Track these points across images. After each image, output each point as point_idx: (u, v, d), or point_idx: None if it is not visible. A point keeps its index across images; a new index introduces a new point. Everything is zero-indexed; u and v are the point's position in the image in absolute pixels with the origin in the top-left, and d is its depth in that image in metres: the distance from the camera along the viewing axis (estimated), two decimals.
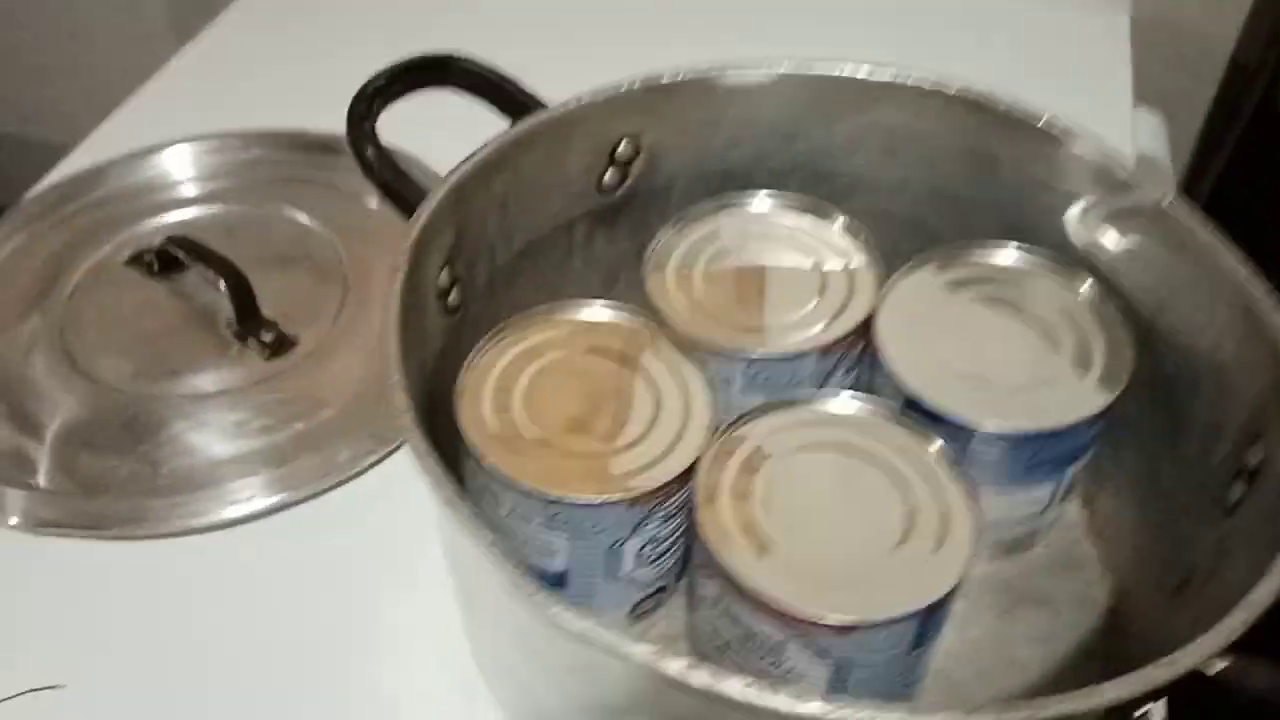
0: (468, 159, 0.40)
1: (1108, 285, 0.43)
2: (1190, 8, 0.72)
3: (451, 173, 0.39)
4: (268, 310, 0.53)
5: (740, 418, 0.39)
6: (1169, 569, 0.40)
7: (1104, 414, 0.40)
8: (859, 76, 0.45)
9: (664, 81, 0.44)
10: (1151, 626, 0.40)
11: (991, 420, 0.39)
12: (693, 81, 0.45)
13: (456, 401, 0.39)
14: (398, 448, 0.49)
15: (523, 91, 0.44)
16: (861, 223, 0.46)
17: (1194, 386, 0.39)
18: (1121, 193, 0.42)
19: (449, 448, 0.36)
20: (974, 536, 0.36)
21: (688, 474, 0.38)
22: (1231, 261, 0.38)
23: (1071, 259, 0.44)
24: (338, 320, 0.54)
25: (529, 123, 0.42)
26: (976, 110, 0.44)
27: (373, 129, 0.42)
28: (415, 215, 0.38)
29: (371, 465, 0.49)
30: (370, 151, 0.42)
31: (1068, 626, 0.43)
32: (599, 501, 0.37)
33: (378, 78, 0.42)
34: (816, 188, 0.48)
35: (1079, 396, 0.40)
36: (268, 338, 0.52)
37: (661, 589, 0.42)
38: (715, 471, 0.38)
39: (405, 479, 0.43)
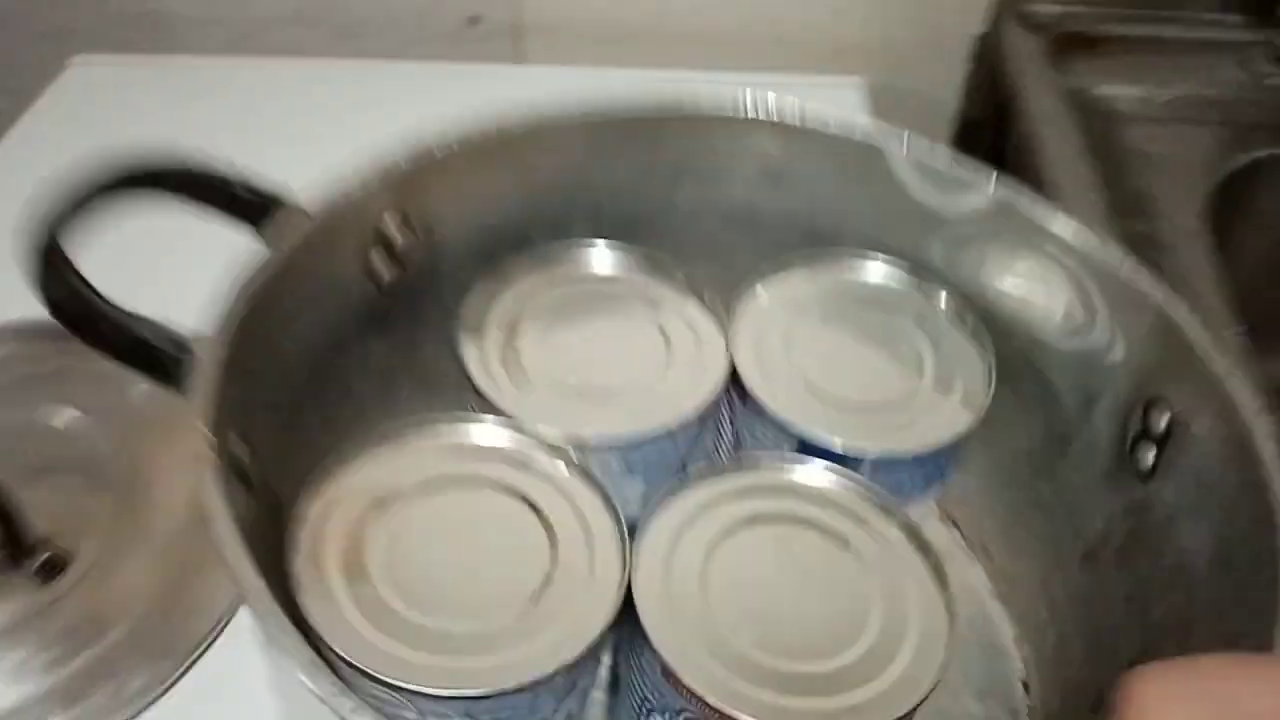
0: (233, 295, 0.30)
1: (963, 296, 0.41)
2: (916, 72, 0.78)
3: (220, 319, 0.29)
4: (37, 528, 0.45)
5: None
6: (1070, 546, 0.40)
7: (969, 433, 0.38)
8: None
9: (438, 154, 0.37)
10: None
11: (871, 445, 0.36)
12: (470, 144, 0.38)
13: (300, 589, 0.29)
14: (194, 663, 0.41)
15: (260, 190, 0.34)
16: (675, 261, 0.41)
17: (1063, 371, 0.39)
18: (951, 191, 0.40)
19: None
20: None
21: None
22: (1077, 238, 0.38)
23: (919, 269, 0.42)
24: (114, 526, 0.46)
25: (293, 229, 0.33)
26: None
27: (71, 269, 0.30)
28: (191, 386, 0.28)
29: (168, 688, 0.41)
30: (77, 300, 0.30)
31: None
32: (529, 682, 0.29)
33: (61, 201, 0.31)
34: (608, 231, 0.43)
35: (946, 417, 0.38)
36: (40, 560, 0.44)
37: None
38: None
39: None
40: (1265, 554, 0.29)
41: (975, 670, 0.42)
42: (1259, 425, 0.31)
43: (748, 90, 0.41)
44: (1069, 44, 0.70)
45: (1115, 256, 0.36)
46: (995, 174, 0.38)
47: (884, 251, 0.41)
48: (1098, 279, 0.37)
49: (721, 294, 0.40)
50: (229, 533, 0.25)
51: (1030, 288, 0.39)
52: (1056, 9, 0.72)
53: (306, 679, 0.23)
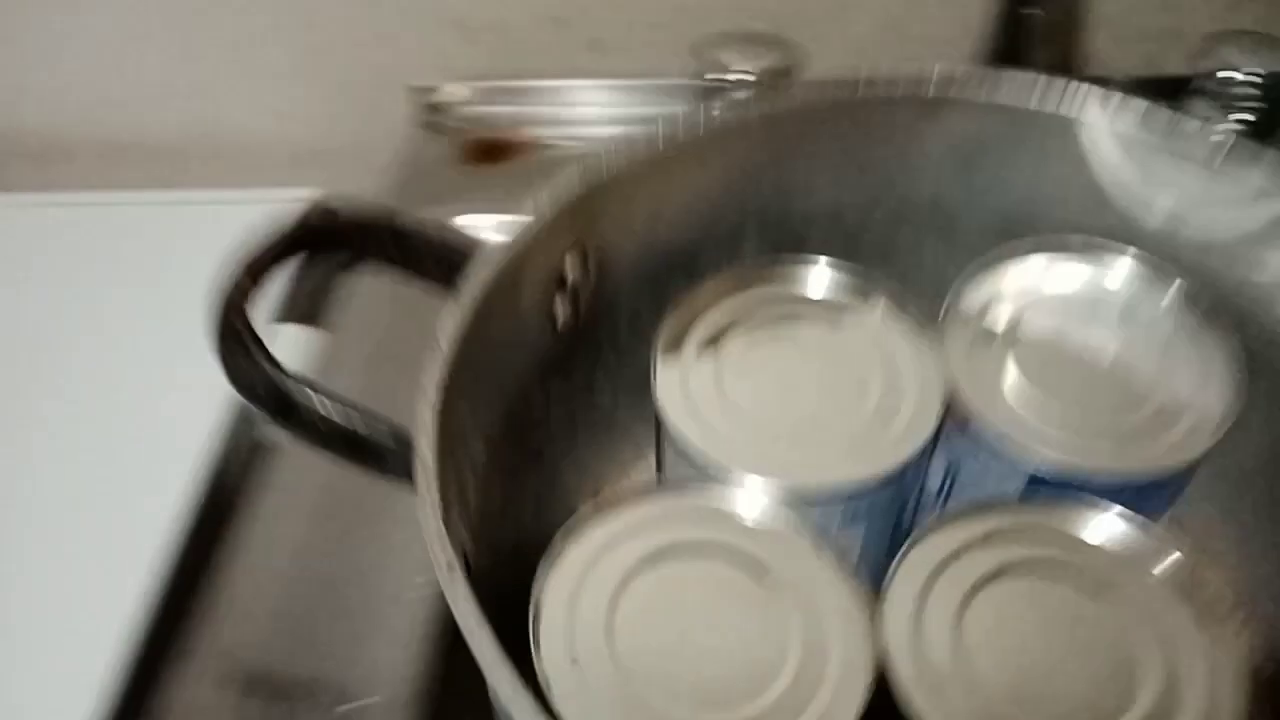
0: (435, 360, 0.27)
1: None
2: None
3: (428, 396, 0.27)
4: None
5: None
6: None
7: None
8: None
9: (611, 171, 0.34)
10: None
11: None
12: (639, 157, 0.34)
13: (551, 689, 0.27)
14: None
15: (457, 243, 0.31)
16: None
17: None
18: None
19: None
20: None
21: None
22: None
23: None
24: None
25: (480, 281, 0.30)
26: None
27: (264, 351, 0.28)
28: (420, 477, 0.25)
29: None
30: (273, 386, 0.28)
31: None
32: None
33: (254, 254, 0.28)
34: (772, 237, 0.39)
35: (1194, 424, 0.34)
36: None
37: None
38: None
39: None
40: None
41: None
42: None
43: (935, 67, 0.37)
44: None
45: None
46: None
47: (1093, 232, 0.37)
48: None
49: (927, 303, 0.37)
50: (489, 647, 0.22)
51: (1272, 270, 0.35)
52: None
53: None
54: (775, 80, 0.45)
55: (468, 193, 0.59)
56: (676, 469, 0.34)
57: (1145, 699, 0.28)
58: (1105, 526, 0.31)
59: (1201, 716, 0.27)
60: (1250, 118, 0.48)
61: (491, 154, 0.63)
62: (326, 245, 0.30)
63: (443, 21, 0.63)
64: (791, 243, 0.40)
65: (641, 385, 0.34)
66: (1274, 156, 0.33)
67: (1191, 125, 0.34)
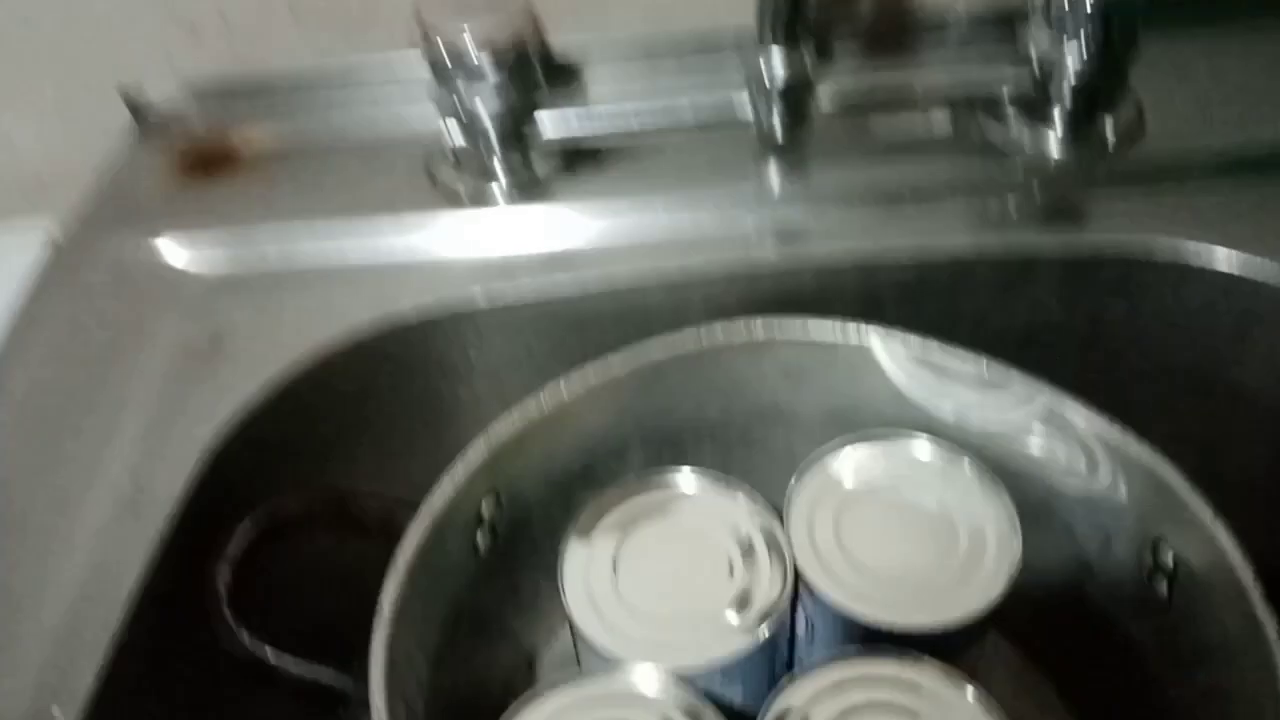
0: (381, 623, 0.36)
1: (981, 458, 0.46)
2: None
3: (379, 649, 0.36)
4: None
5: None
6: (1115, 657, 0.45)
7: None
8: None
9: (504, 434, 0.43)
10: None
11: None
12: (529, 421, 0.44)
13: None
14: None
15: (380, 505, 0.41)
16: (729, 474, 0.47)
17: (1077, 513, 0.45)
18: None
19: None
20: None
21: None
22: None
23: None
24: None
25: (414, 544, 0.39)
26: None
27: (246, 629, 0.37)
28: (375, 713, 0.34)
29: None
30: (249, 653, 0.37)
31: None
32: None
33: (221, 551, 0.37)
34: (655, 449, 0.49)
35: (988, 575, 0.43)
36: None
37: None
38: None
39: None
40: (1269, 687, 0.34)
41: None
42: (1245, 574, 0.36)
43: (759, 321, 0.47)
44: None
45: (1103, 420, 0.42)
46: (984, 358, 0.44)
47: (905, 426, 0.47)
48: (1093, 434, 0.43)
49: (770, 489, 0.46)
50: None
51: (1035, 444, 0.45)
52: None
53: None
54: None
55: (182, 210, 0.55)
56: (586, 656, 0.43)
57: None
58: (924, 669, 0.40)
59: None
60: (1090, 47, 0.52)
61: (212, 164, 0.58)
62: (284, 531, 0.39)
63: (166, 20, 0.58)
64: (670, 449, 0.50)
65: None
66: (1019, 376, 0.43)
67: (956, 353, 0.45)
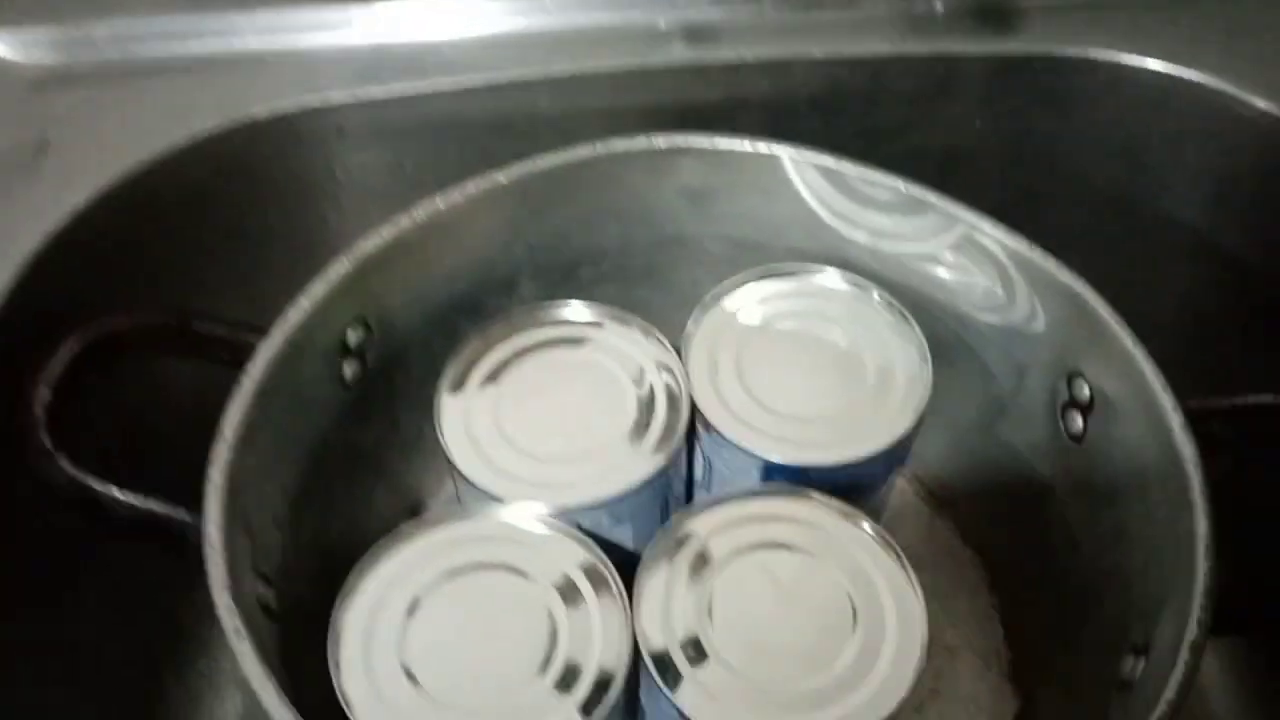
0: (221, 447, 0.32)
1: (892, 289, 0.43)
2: None
3: (218, 477, 0.32)
4: None
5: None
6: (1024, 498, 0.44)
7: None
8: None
9: (371, 250, 0.39)
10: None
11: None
12: (401, 237, 0.39)
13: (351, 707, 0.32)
14: None
15: (227, 328, 0.36)
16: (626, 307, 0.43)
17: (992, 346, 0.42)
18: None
19: None
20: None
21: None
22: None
23: None
24: None
25: (262, 366, 0.35)
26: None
27: (66, 455, 0.32)
28: (208, 542, 0.30)
29: None
30: (78, 488, 0.32)
31: None
32: None
33: (52, 370, 0.32)
34: (546, 279, 0.45)
35: (894, 411, 0.40)
36: None
37: None
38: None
39: None
40: (1184, 521, 0.32)
41: (960, 609, 0.47)
42: (1165, 398, 0.34)
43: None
44: None
45: (1024, 243, 0.39)
46: (902, 180, 0.41)
47: (814, 260, 0.44)
48: (1012, 259, 0.40)
49: (672, 326, 0.43)
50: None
51: (951, 274, 0.42)
52: None
53: None
54: None
55: None
56: (465, 494, 0.40)
57: (858, 630, 0.35)
58: (824, 509, 0.38)
59: (896, 631, 0.35)
60: None
61: None
62: (117, 354, 0.34)
63: None
64: (565, 283, 0.46)
65: None
66: (938, 199, 0.40)
67: (873, 173, 0.41)
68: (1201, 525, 0.32)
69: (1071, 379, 0.39)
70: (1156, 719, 0.28)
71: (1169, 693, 0.28)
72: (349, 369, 0.40)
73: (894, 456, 0.42)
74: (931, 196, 0.40)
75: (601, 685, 0.33)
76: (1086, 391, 0.38)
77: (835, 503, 0.38)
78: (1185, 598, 0.30)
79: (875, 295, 0.43)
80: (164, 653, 0.44)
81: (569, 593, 0.36)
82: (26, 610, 0.38)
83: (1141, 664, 0.32)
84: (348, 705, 0.32)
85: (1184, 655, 0.29)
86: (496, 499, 0.38)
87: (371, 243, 0.38)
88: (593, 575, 0.36)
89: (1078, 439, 0.39)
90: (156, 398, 0.42)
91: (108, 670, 0.42)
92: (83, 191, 0.39)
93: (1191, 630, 0.29)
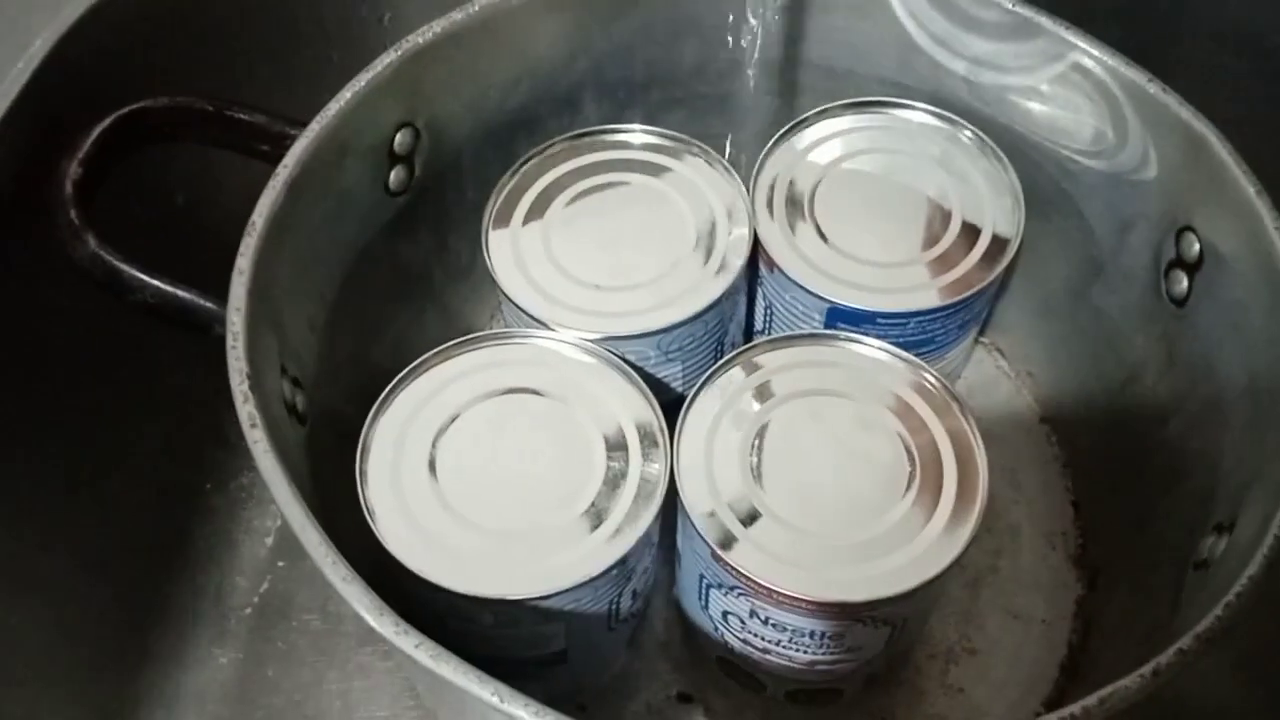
0: (251, 237, 0.31)
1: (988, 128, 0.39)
2: None
3: (245, 265, 0.30)
4: None
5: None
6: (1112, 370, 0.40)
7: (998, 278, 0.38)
8: None
9: (422, 42, 0.36)
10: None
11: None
12: (455, 31, 0.36)
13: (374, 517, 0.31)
14: None
15: (267, 118, 0.34)
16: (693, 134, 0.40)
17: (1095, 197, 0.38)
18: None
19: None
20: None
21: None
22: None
23: None
24: None
25: (299, 158, 0.33)
26: None
27: (95, 233, 0.31)
28: (230, 329, 0.29)
29: None
30: (102, 265, 0.31)
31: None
32: (598, 574, 0.31)
33: (82, 147, 0.31)
34: (612, 100, 0.42)
35: (976, 261, 0.37)
36: None
37: (644, 605, 0.38)
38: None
39: None
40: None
41: (1028, 485, 0.44)
42: None
43: None
44: None
45: (1143, 75, 0.35)
46: None
47: (904, 93, 0.40)
48: (1127, 94, 0.35)
49: (743, 157, 0.40)
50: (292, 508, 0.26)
51: (1057, 111, 0.38)
52: None
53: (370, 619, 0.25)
54: None
55: None
56: (511, 319, 0.38)
57: (914, 485, 0.32)
58: (885, 355, 0.35)
59: (954, 493, 0.32)
60: None
61: None
62: (151, 136, 0.33)
63: None
64: (632, 103, 0.43)
65: None
66: (1050, 23, 0.35)
67: None
68: None
69: (1180, 235, 0.35)
70: (1234, 596, 0.25)
71: (1252, 568, 0.25)
72: (395, 175, 0.37)
73: (971, 312, 0.39)
74: (1042, 18, 0.36)
75: (630, 524, 0.32)
76: (1196, 248, 0.34)
77: (901, 353, 0.35)
78: (1277, 476, 0.27)
79: (968, 134, 0.39)
80: (208, 462, 0.44)
81: (609, 429, 0.34)
82: (72, 415, 0.38)
83: (1224, 542, 0.30)
84: (371, 516, 0.31)
85: (1273, 529, 0.26)
86: (543, 324, 0.36)
87: (421, 35, 0.36)
88: (637, 413, 0.34)
89: (1180, 302, 0.35)
90: (203, 196, 0.40)
91: (152, 475, 0.41)
92: None
93: None
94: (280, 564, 0.42)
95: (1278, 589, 0.26)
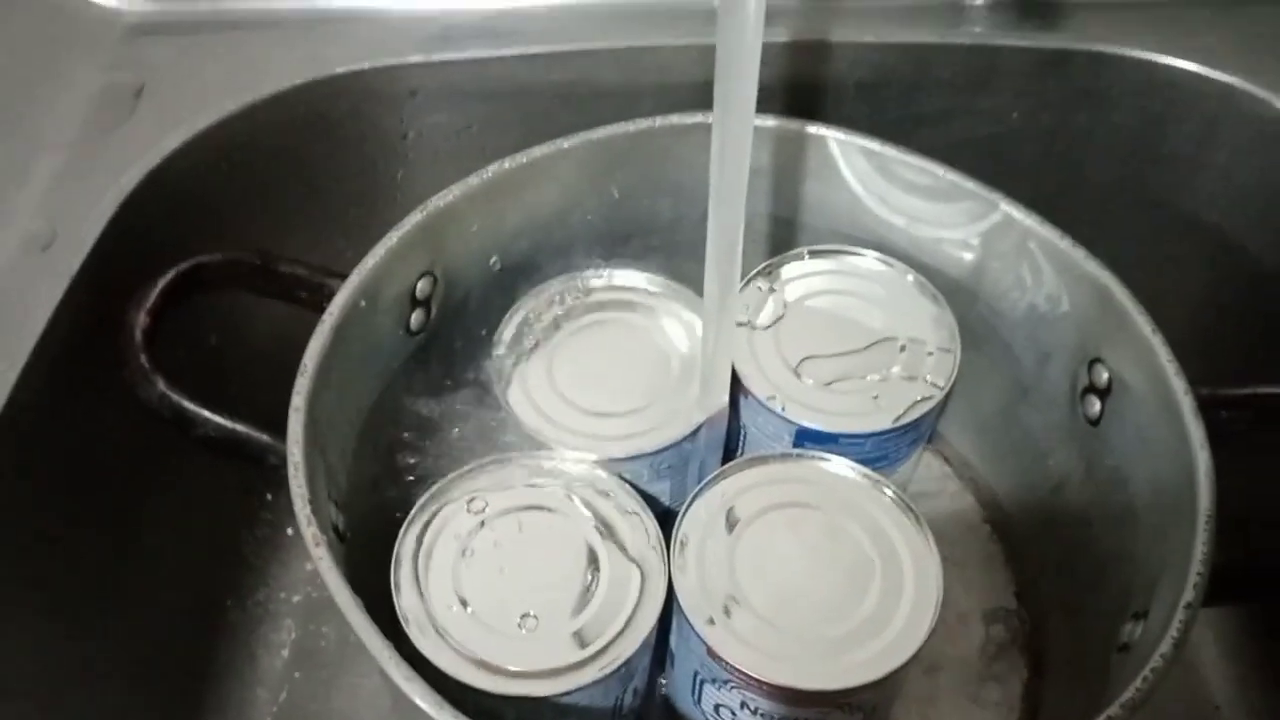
0: (303, 379, 0.35)
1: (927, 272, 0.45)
2: None
3: (300, 402, 0.34)
4: None
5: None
6: (1040, 478, 0.46)
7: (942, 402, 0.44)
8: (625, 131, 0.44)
9: (442, 205, 0.41)
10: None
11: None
12: (470, 193, 0.42)
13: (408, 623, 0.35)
14: None
15: (308, 270, 0.39)
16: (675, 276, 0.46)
17: (1018, 330, 0.45)
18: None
19: None
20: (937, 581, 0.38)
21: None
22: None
23: None
24: None
25: (341, 305, 0.38)
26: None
27: (162, 375, 0.35)
28: (291, 460, 0.33)
29: None
30: (172, 403, 0.35)
31: None
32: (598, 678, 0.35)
33: (150, 299, 0.35)
34: (602, 251, 0.48)
35: (922, 387, 0.43)
36: None
37: (643, 700, 0.42)
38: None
39: None
40: (1189, 500, 0.35)
41: (975, 580, 0.49)
42: (1178, 384, 0.36)
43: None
44: None
45: (1055, 232, 0.41)
46: (942, 167, 0.43)
47: (855, 242, 0.46)
48: (1041, 247, 0.42)
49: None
50: (356, 616, 0.30)
51: (985, 259, 0.44)
52: None
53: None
54: None
55: None
56: (518, 442, 0.43)
57: (877, 584, 0.37)
58: (847, 471, 0.41)
59: (914, 587, 0.37)
60: None
61: None
62: (206, 287, 0.37)
63: None
64: (616, 250, 0.49)
65: None
66: (975, 187, 0.42)
67: (916, 160, 0.43)
68: (1204, 501, 0.34)
69: (1092, 365, 0.41)
70: (1150, 671, 0.30)
71: (1163, 648, 0.31)
72: (416, 317, 0.42)
73: (919, 431, 0.44)
74: (969, 183, 0.42)
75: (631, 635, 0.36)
76: (1106, 376, 0.40)
77: (861, 469, 0.41)
78: (1183, 566, 0.33)
79: (910, 277, 0.46)
80: (228, 581, 0.47)
81: (610, 537, 0.38)
82: (104, 530, 0.41)
83: (1140, 627, 0.35)
84: (405, 623, 0.35)
85: (1178, 615, 0.31)
86: (547, 446, 0.41)
87: (442, 198, 0.41)
88: (633, 523, 0.39)
89: (1094, 422, 0.41)
90: (237, 338, 0.45)
91: (174, 591, 0.45)
92: (176, 135, 0.42)
93: (1187, 593, 0.32)
94: (296, 675, 0.46)
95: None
